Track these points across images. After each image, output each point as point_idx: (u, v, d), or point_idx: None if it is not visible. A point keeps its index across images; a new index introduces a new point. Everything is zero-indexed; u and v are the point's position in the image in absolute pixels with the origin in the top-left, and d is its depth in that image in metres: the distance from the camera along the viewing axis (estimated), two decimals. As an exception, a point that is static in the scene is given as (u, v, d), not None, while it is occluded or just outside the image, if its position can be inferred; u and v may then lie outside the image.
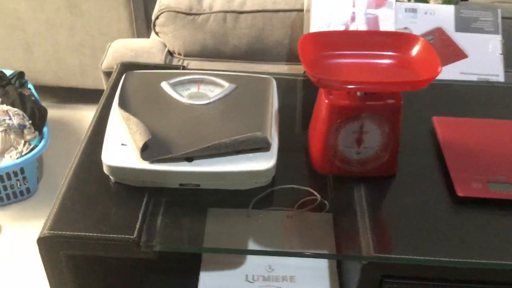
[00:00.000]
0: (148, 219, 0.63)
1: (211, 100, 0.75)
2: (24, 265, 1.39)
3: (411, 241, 0.63)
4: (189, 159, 0.65)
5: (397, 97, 0.66)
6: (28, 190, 1.56)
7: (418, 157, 0.74)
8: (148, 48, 0.93)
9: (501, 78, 0.91)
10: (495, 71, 0.90)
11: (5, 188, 1.51)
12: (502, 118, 0.81)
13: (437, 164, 0.72)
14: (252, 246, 0.65)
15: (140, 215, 0.63)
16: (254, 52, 0.94)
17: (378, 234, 0.63)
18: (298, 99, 0.84)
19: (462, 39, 0.90)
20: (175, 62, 0.94)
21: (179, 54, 0.95)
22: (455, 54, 0.91)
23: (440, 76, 0.92)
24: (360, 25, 0.81)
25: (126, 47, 0.93)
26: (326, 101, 0.66)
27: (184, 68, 0.85)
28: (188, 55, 0.95)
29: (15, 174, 1.49)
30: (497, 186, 0.67)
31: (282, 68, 0.94)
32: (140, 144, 0.64)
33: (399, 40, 0.67)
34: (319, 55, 0.68)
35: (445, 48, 0.90)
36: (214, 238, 0.64)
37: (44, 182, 1.65)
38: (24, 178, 1.53)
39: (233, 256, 0.81)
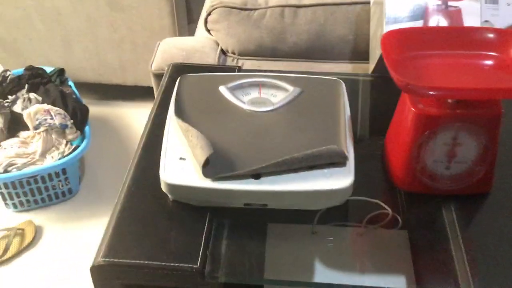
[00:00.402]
0: (212, 245, 0.56)
1: (276, 106, 0.67)
2: (65, 268, 1.35)
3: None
4: (256, 176, 0.58)
5: (496, 104, 0.57)
6: (70, 190, 1.52)
7: (514, 170, 0.65)
8: (200, 47, 0.86)
9: None
10: None
11: (46, 189, 1.47)
12: None
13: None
14: (319, 274, 0.57)
15: (203, 240, 0.56)
16: (314, 50, 0.85)
17: (477, 264, 0.55)
18: (367, 102, 0.76)
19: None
20: (229, 62, 0.86)
21: (233, 53, 0.87)
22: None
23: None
24: (441, 20, 0.71)
25: (176, 47, 0.86)
26: (413, 109, 0.57)
27: (240, 69, 0.78)
28: (242, 54, 0.87)
29: (57, 175, 1.45)
30: None
31: (346, 67, 0.85)
32: (202, 160, 0.57)
33: (499, 38, 0.58)
34: (405, 55, 0.59)
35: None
36: (275, 263, 0.57)
37: (86, 182, 1.61)
38: (66, 179, 1.49)
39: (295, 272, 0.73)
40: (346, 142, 0.61)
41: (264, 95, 0.69)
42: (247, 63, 0.86)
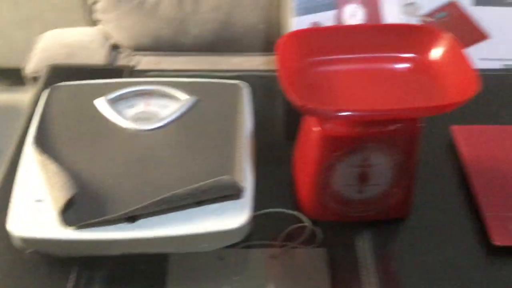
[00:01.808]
0: (78, 308, 0.46)
1: (164, 122, 0.56)
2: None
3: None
4: (131, 218, 0.48)
5: (413, 120, 0.49)
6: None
7: (435, 188, 0.57)
8: (87, 43, 0.74)
9: (530, 64, 0.74)
10: (522, 56, 0.73)
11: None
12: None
13: (463, 197, 0.55)
14: None
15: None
16: (221, 42, 0.75)
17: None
18: (280, 106, 0.66)
19: (483, 15, 0.72)
20: (121, 59, 0.74)
21: (126, 48, 0.75)
22: (474, 35, 0.73)
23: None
24: (356, 8, 0.62)
25: (58, 42, 0.73)
26: (316, 129, 0.48)
27: (133, 69, 0.66)
28: (138, 49, 0.75)
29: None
30: (545, 227, 0.51)
31: (258, 61, 0.74)
32: (60, 204, 0.46)
33: (414, 36, 0.49)
34: (306, 62, 0.49)
35: (460, 28, 0.72)
36: None
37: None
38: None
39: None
40: (244, 168, 0.52)
41: (152, 107, 0.58)
42: (144, 60, 0.74)
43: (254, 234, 0.54)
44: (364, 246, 0.52)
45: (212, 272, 0.52)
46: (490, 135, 0.60)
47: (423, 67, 0.49)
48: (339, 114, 0.45)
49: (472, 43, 0.72)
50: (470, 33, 0.73)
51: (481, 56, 0.73)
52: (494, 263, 0.50)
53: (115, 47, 0.77)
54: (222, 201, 0.49)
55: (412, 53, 0.49)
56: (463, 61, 0.46)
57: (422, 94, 0.47)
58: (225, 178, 0.49)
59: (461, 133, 0.60)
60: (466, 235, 0.52)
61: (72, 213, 0.46)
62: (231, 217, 0.48)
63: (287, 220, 0.54)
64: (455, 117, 0.62)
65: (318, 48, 0.49)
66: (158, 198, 0.47)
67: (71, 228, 0.46)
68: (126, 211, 0.46)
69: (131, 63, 0.74)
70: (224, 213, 0.48)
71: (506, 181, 0.54)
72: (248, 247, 0.53)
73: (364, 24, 0.61)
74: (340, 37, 0.49)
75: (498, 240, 0.50)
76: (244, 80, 0.61)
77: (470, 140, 0.59)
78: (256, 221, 0.54)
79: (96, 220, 0.46)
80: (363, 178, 0.50)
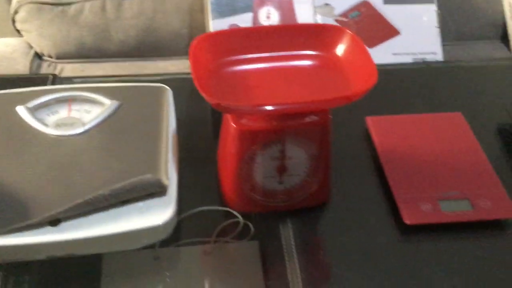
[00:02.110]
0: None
1: (86, 127, 0.57)
2: None
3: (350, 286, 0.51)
4: (54, 222, 0.48)
5: (323, 113, 0.52)
6: None
7: (354, 175, 0.60)
8: (8, 53, 0.73)
9: (439, 56, 0.79)
10: (432, 48, 0.78)
11: None
12: (447, 104, 0.69)
13: (376, 182, 0.59)
14: None
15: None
16: (145, 47, 0.76)
17: (309, 281, 0.50)
18: (205, 107, 0.68)
19: (393, 13, 0.77)
20: (45, 68, 0.74)
21: (50, 56, 0.75)
22: (386, 31, 0.77)
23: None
24: (271, 11, 0.65)
25: (-21, 53, 0.72)
26: (234, 125, 0.50)
27: (55, 77, 0.66)
28: (61, 57, 0.75)
29: None
30: (450, 205, 0.55)
31: (183, 65, 0.76)
32: (-20, 212, 0.46)
33: (320, 36, 0.52)
34: (219, 63, 0.51)
35: (374, 26, 0.77)
36: None
37: None
38: None
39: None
40: (167, 166, 0.53)
41: (75, 113, 0.59)
42: (68, 68, 0.74)
43: (188, 233, 0.56)
44: (288, 234, 0.55)
45: (146, 272, 0.54)
46: (400, 124, 0.64)
47: (329, 62, 0.52)
48: (251, 109, 0.47)
49: (384, 39, 0.77)
50: (382, 30, 0.77)
51: (393, 51, 0.77)
52: (406, 241, 0.54)
53: (38, 56, 0.76)
54: (147, 199, 0.50)
55: (318, 50, 0.52)
56: (364, 55, 0.49)
57: (329, 87, 0.51)
58: (148, 176, 0.50)
59: (374, 123, 0.64)
60: (381, 217, 0.56)
61: (-7, 220, 0.47)
62: (156, 214, 0.50)
63: (220, 217, 0.56)
64: (370, 109, 0.67)
65: (231, 49, 0.51)
66: (82, 200, 0.48)
67: (-7, 235, 0.46)
68: (49, 214, 0.47)
69: (55, 71, 0.74)
70: (148, 211, 0.50)
71: (414, 165, 0.59)
72: (183, 245, 0.54)
73: (273, 25, 0.64)
74: (251, 37, 0.52)
75: (409, 219, 0.54)
76: (169, 84, 0.63)
77: (382, 129, 0.63)
78: (189, 220, 0.55)
79: (19, 225, 0.46)
80: (282, 169, 0.53)
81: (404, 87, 0.72)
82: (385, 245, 0.54)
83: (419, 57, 0.77)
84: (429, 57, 0.77)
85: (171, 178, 0.53)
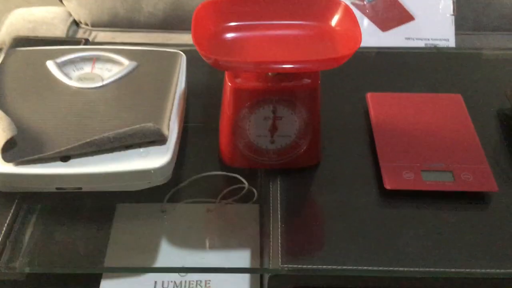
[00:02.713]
0: (15, 233, 0.53)
1: (105, 82, 0.63)
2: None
3: (329, 247, 0.54)
4: (65, 158, 0.54)
5: (314, 76, 0.56)
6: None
7: (347, 143, 0.64)
8: (49, 19, 0.81)
9: (451, 43, 0.80)
10: (445, 35, 0.80)
11: None
12: (451, 88, 0.71)
13: (368, 151, 0.63)
14: (163, 257, 0.56)
15: (4, 228, 0.53)
16: (173, 20, 0.81)
17: (289, 240, 0.54)
18: (218, 77, 0.73)
19: None
20: (80, 34, 0.81)
21: (86, 24, 0.82)
22: (401, 16, 0.80)
23: (384, 43, 0.82)
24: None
25: (24, 18, 0.80)
26: (230, 84, 0.55)
27: (87, 41, 0.73)
28: (96, 25, 0.82)
29: None
30: (432, 175, 0.58)
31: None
32: (1, 143, 0.53)
33: (316, 5, 0.56)
34: (221, 28, 0.56)
35: (389, 10, 0.79)
36: (118, 248, 0.55)
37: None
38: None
39: (140, 257, 0.71)
40: (170, 120, 0.59)
41: (97, 70, 0.65)
42: (100, 35, 0.81)
43: (197, 193, 0.61)
44: (276, 190, 0.59)
45: (153, 223, 0.59)
46: (398, 101, 0.66)
47: (323, 30, 0.56)
48: (246, 65, 0.51)
49: (399, 24, 0.79)
50: (398, 15, 0.80)
51: (406, 36, 0.79)
52: (385, 205, 0.57)
53: (76, 24, 0.84)
54: (148, 146, 0.56)
55: (314, 19, 0.56)
56: (353, 24, 0.53)
57: (320, 52, 0.54)
58: (149, 125, 0.56)
59: (373, 99, 0.67)
60: (366, 182, 0.59)
61: (12, 151, 0.53)
62: (154, 159, 0.55)
63: (229, 180, 0.61)
64: (377, 88, 0.70)
65: (233, 15, 0.56)
66: (88, 140, 0.54)
67: (10, 164, 0.53)
68: (60, 149, 0.54)
69: (89, 37, 0.81)
70: (148, 155, 0.55)
71: (404, 137, 0.61)
72: (189, 203, 0.59)
73: None
74: (252, 5, 0.56)
75: (389, 184, 0.57)
76: (188, 54, 0.68)
77: (380, 104, 0.66)
78: (198, 182, 0.60)
79: (33, 157, 0.53)
80: (273, 129, 0.57)
81: (412, 69, 0.75)
82: (364, 206, 0.57)
83: (431, 42, 0.79)
84: (442, 44, 0.79)
85: (172, 130, 0.58)
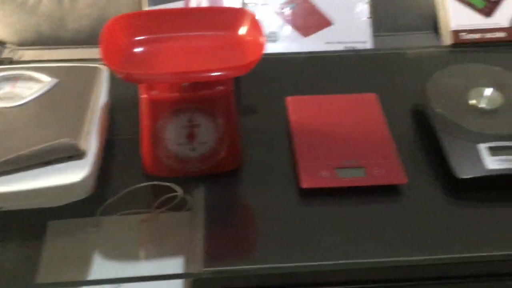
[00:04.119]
0: None
1: (25, 100, 0.63)
2: None
3: (251, 248, 0.56)
4: (-18, 178, 0.55)
5: (226, 83, 0.58)
6: None
7: (269, 146, 0.66)
8: (-28, 40, 0.81)
9: (368, 45, 0.84)
10: (362, 38, 0.83)
11: None
12: (370, 88, 0.74)
13: (287, 153, 0.65)
14: (97, 269, 0.56)
15: None
16: (98, 35, 0.82)
17: (212, 244, 0.56)
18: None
19: (327, 5, 0.82)
20: (6, 53, 0.81)
21: (13, 43, 0.82)
22: (320, 22, 0.83)
23: (306, 48, 0.85)
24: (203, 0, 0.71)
25: None
26: (144, 96, 0.57)
27: (12, 61, 0.73)
28: (22, 44, 0.82)
29: None
30: (345, 172, 0.60)
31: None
32: None
33: (222, 17, 0.58)
34: (132, 42, 0.58)
35: (308, 16, 0.82)
36: (51, 264, 0.55)
37: None
38: None
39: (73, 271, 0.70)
40: (89, 134, 0.59)
41: (18, 89, 0.66)
42: (28, 54, 0.82)
43: (131, 206, 0.62)
44: (200, 196, 0.61)
45: (86, 238, 0.60)
46: (316, 103, 0.69)
47: (232, 40, 0.58)
48: (156, 76, 0.53)
49: (319, 29, 0.82)
50: (317, 20, 0.83)
51: (326, 40, 0.83)
52: (304, 203, 0.60)
53: (2, 43, 0.84)
54: (67, 161, 0.57)
55: (222, 29, 0.58)
56: (258, 33, 0.55)
57: (230, 61, 0.57)
58: (64, 140, 0.56)
59: (292, 102, 0.69)
60: (286, 182, 0.61)
61: None
62: (72, 173, 0.56)
63: (163, 190, 0.61)
64: (298, 89, 0.73)
65: (143, 29, 0.58)
66: (4, 159, 0.54)
67: None
68: (-27, 170, 0.54)
69: (15, 57, 0.81)
70: (66, 171, 0.56)
71: (320, 139, 0.64)
72: (124, 215, 0.60)
73: (183, 8, 0.70)
74: (163, 18, 0.58)
75: (306, 183, 0.59)
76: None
77: (299, 107, 0.69)
78: (134, 193, 0.61)
79: None
80: (191, 137, 0.59)
81: (333, 72, 0.78)
82: (285, 206, 0.59)
83: (350, 45, 0.82)
84: (360, 46, 0.82)
85: (90, 144, 0.59)
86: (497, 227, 0.57)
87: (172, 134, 0.59)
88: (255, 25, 0.56)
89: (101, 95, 0.65)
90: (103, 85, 0.67)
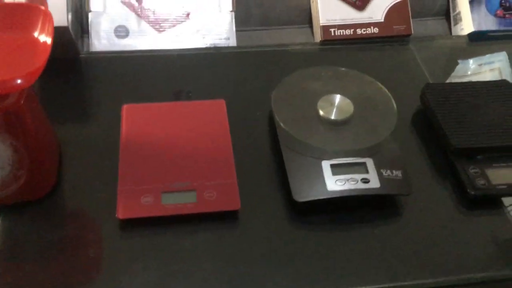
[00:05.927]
0: None
1: None
2: None
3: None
4: None
5: (20, 94, 0.47)
6: None
7: (93, 165, 0.56)
8: None
9: (233, 42, 0.75)
10: (225, 34, 0.74)
11: None
12: (224, 93, 0.65)
13: (114, 172, 0.56)
14: None
15: None
16: None
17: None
18: None
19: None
20: None
21: None
22: (176, 15, 0.73)
23: (159, 45, 0.75)
24: None
25: None
26: None
27: None
28: None
29: None
30: (172, 197, 0.52)
31: None
32: None
33: (16, 15, 0.47)
34: None
35: (163, 9, 0.72)
36: None
37: None
38: None
39: None
40: None
41: None
42: None
43: None
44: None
45: None
46: (157, 112, 0.60)
47: (27, 43, 0.48)
48: None
49: (174, 25, 0.73)
50: (172, 13, 0.73)
51: (183, 36, 0.73)
52: (121, 235, 0.51)
53: None
54: None
55: (15, 29, 0.48)
56: (46, 32, 0.45)
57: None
58: None
59: (128, 111, 0.60)
60: (105, 210, 0.52)
61: None
62: None
63: None
64: (150, 97, 0.63)
65: None
66: None
67: None
68: None
69: None
70: None
71: (151, 156, 0.55)
72: None
73: None
74: None
75: (122, 213, 0.50)
76: None
77: (134, 116, 0.59)
78: None
79: None
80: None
81: (187, 73, 0.69)
82: (100, 239, 0.51)
83: (212, 42, 0.73)
84: (222, 43, 0.74)
85: None
86: (333, 255, 0.51)
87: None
88: (47, 24, 0.46)
89: None
90: None
